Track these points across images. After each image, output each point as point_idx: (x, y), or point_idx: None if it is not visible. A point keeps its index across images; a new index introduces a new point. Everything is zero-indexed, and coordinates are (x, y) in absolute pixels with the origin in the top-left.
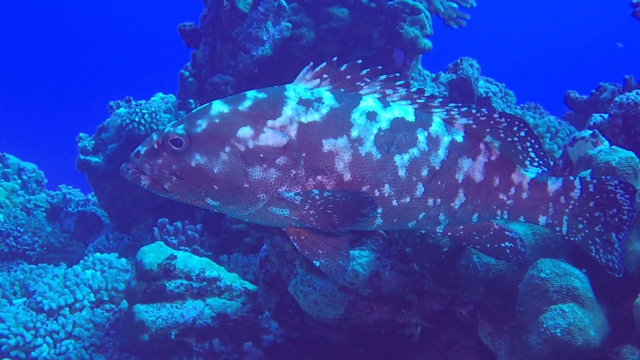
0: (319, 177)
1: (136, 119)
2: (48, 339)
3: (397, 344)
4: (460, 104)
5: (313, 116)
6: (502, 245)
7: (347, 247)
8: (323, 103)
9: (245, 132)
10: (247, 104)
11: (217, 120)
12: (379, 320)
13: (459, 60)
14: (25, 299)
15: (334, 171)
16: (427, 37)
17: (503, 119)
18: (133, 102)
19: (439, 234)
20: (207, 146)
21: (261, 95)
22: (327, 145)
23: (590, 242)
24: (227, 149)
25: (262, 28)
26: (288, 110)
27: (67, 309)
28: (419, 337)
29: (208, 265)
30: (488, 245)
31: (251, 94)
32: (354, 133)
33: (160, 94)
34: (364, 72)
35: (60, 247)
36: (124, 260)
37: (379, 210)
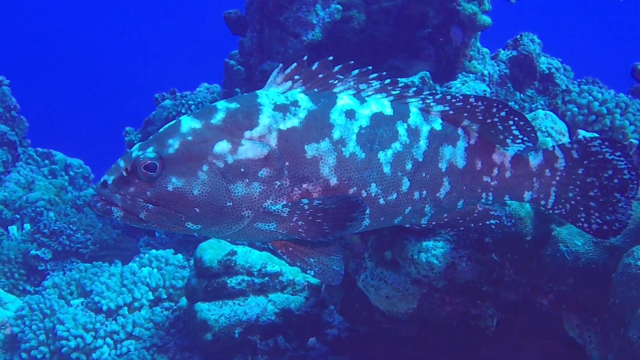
0: (304, 185)
1: (182, 111)
2: (108, 340)
3: (469, 336)
4: (434, 91)
5: (292, 122)
6: (487, 222)
7: (338, 251)
8: (299, 106)
9: (222, 147)
10: (219, 116)
11: (189, 138)
12: (452, 312)
13: (518, 36)
14: (83, 299)
15: (320, 177)
16: (485, 13)
17: (480, 103)
18: (178, 94)
19: (423, 226)
20: (183, 167)
21: (233, 105)
22: (310, 150)
23: (581, 209)
24: (205, 167)
25: (311, 11)
26: (265, 119)
27: (126, 308)
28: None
29: (269, 259)
30: (472, 225)
31: (222, 105)
32: (336, 134)
33: (206, 84)
34: (337, 68)
35: (113, 244)
36: (180, 256)
37: (367, 211)
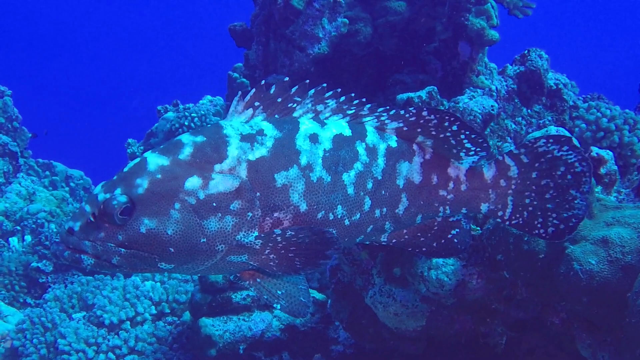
0: (276, 214)
1: (185, 123)
2: (110, 354)
3: (476, 354)
4: (387, 107)
5: (260, 151)
6: (449, 236)
7: (304, 281)
8: (265, 135)
9: (193, 183)
10: (187, 151)
11: (159, 176)
12: (460, 330)
13: (526, 52)
14: (85, 312)
15: (290, 204)
16: (493, 28)
17: (432, 116)
18: (181, 106)
19: (383, 243)
20: (155, 207)
21: (199, 138)
22: (280, 179)
23: (538, 213)
24: (177, 205)
25: (317, 25)
26: (233, 150)
27: (129, 322)
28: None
29: None
30: (435, 244)
31: (187, 139)
32: (303, 161)
33: (209, 97)
34: (293, 90)
35: None
36: None
37: (334, 233)
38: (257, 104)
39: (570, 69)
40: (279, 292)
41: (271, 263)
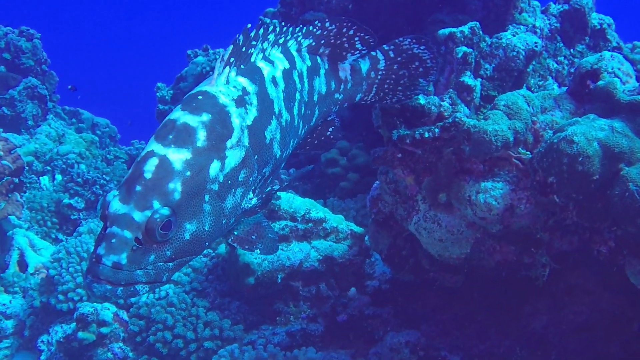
0: (264, 169)
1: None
2: None
3: (515, 289)
4: (301, 26)
5: (252, 113)
6: (327, 133)
7: (264, 218)
8: (249, 93)
9: (215, 168)
10: (202, 136)
11: (188, 174)
12: (502, 262)
13: None
14: None
15: (272, 155)
16: None
17: (333, 26)
18: (210, 51)
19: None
20: (191, 208)
21: (205, 117)
22: (268, 134)
23: (390, 94)
24: (207, 197)
25: None
26: (235, 120)
27: None
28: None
29: (312, 206)
30: (317, 142)
31: (193, 120)
32: (276, 109)
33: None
34: (252, 33)
35: None
36: None
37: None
38: (232, 59)
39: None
40: (253, 237)
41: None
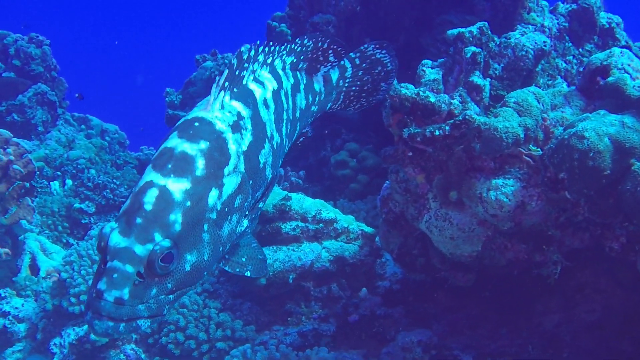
0: (257, 193)
1: None
2: None
3: (526, 288)
4: (287, 44)
5: (247, 138)
6: (297, 143)
7: (253, 238)
8: (243, 118)
9: (213, 197)
10: (201, 164)
11: (188, 204)
12: (513, 260)
13: None
14: None
15: (265, 178)
16: None
17: (310, 42)
18: (219, 55)
19: None
20: (191, 238)
21: (203, 144)
22: (262, 159)
23: (355, 100)
24: (206, 226)
25: None
26: (232, 146)
27: None
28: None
29: (323, 206)
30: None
31: (191, 148)
32: (268, 132)
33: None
34: (245, 55)
35: None
36: None
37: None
38: (226, 84)
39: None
40: (244, 260)
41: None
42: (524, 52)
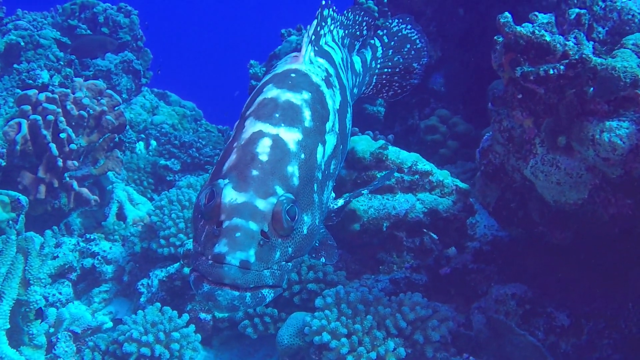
0: (340, 165)
1: None
2: None
3: (624, 250)
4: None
5: (338, 97)
6: None
7: (327, 231)
8: (331, 75)
9: (320, 153)
10: (308, 115)
11: (303, 156)
12: (616, 215)
13: None
14: None
15: (346, 150)
16: None
17: (350, 14)
18: (304, 31)
19: None
20: (306, 198)
21: (306, 94)
22: (348, 123)
23: (387, 85)
24: (315, 186)
25: None
26: (329, 101)
27: None
28: None
29: (419, 159)
30: None
31: (297, 98)
32: (348, 95)
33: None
34: (325, 12)
35: None
36: None
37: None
38: (313, 37)
39: None
40: (316, 244)
41: None
42: (630, 16)
